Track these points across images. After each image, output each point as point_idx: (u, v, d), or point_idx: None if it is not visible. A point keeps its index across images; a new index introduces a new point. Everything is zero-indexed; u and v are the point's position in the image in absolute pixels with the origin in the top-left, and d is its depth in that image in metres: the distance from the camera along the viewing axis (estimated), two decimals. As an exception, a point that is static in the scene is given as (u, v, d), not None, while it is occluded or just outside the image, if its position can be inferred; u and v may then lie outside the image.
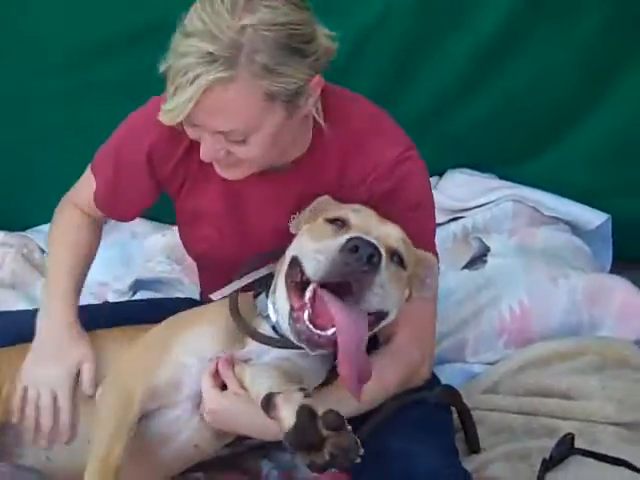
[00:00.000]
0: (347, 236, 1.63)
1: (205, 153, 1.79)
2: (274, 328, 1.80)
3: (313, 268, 1.63)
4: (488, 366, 2.53)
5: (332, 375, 1.81)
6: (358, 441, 1.44)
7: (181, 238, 2.20)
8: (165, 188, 2.06)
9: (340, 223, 1.75)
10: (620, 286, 2.70)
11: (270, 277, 1.86)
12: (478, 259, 2.88)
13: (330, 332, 1.63)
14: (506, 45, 3.09)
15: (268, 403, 1.57)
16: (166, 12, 2.89)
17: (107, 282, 2.93)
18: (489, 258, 2.80)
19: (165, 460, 1.85)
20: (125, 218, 2.19)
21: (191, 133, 1.80)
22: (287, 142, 1.84)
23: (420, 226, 1.93)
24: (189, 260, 3.01)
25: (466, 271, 2.73)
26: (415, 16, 3.00)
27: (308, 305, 1.65)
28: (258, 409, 1.63)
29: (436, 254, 1.96)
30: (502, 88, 3.16)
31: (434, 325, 2.02)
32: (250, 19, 1.64)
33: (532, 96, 3.16)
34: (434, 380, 2.06)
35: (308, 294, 1.65)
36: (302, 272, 1.68)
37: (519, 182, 3.24)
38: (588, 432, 2.14)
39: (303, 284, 1.69)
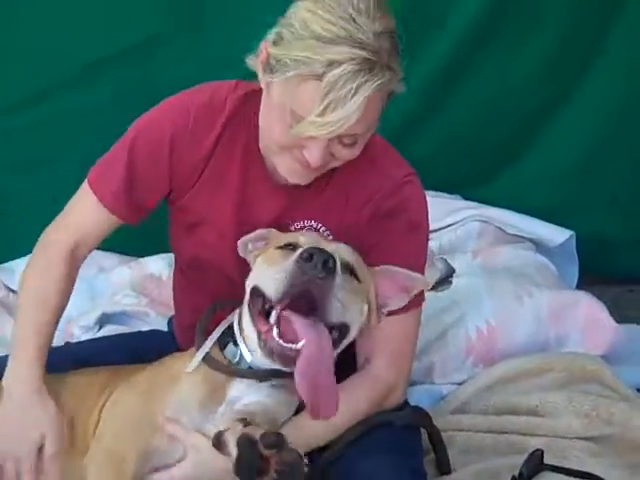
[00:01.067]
0: (300, 250, 1.67)
1: (317, 159, 1.74)
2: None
3: (274, 289, 1.67)
4: (456, 386, 2.54)
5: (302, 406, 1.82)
6: (301, 455, 1.47)
7: (174, 242, 2.14)
8: (174, 185, 1.98)
9: (291, 247, 1.78)
10: (585, 301, 2.72)
11: (229, 329, 1.87)
12: (444, 280, 2.89)
13: (300, 345, 1.65)
14: (463, 67, 3.15)
15: (219, 442, 1.59)
16: (125, 43, 3.02)
17: (73, 317, 2.90)
18: (454, 279, 2.81)
19: None
20: (134, 218, 2.02)
21: (298, 142, 1.74)
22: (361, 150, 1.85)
23: (417, 249, 1.97)
24: (154, 292, 3.05)
25: (432, 293, 2.73)
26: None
27: (274, 326, 1.69)
28: None
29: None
30: (462, 109, 3.22)
31: (413, 349, 2.02)
32: (381, 25, 1.66)
33: (491, 116, 3.22)
34: (403, 402, 2.05)
35: (273, 317, 1.69)
36: (264, 299, 1.72)
37: (483, 202, 3.27)
38: (557, 448, 2.14)
39: (267, 310, 1.72)
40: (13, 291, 3.14)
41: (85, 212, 2.00)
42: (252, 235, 1.91)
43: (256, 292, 1.75)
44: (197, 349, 1.85)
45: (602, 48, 3.13)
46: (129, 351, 2.13)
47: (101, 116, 3.06)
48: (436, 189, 3.26)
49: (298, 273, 1.63)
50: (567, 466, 2.05)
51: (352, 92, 1.62)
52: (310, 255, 1.62)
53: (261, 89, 1.85)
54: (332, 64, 1.62)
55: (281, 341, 1.67)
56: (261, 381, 1.80)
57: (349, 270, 1.76)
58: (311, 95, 1.65)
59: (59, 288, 1.97)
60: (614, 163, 3.26)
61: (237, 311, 1.88)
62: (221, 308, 1.95)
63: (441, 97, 3.22)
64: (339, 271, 1.66)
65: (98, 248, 3.16)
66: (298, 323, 1.67)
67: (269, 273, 1.71)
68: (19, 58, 2.99)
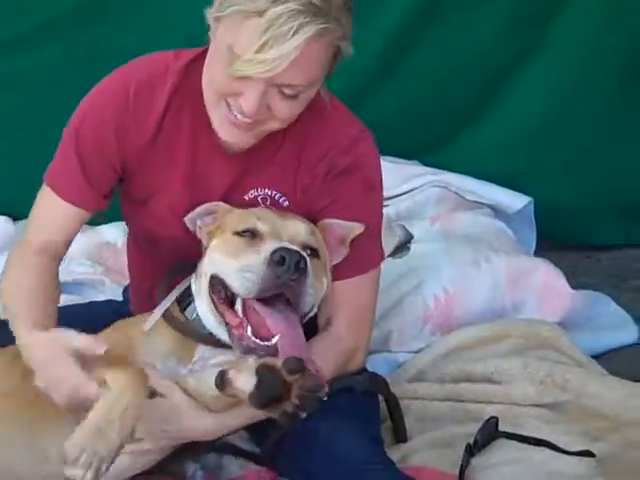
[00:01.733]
0: (269, 248, 1.65)
1: (253, 106, 1.69)
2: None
3: (243, 287, 1.66)
4: (413, 355, 2.54)
5: None
6: (320, 381, 1.47)
7: (126, 216, 2.11)
8: (126, 165, 1.93)
9: (250, 234, 1.76)
10: (542, 268, 2.73)
11: (188, 289, 1.87)
12: (403, 246, 2.87)
13: (275, 340, 1.65)
14: (419, 32, 3.13)
15: (222, 380, 1.58)
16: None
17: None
18: (412, 245, 2.80)
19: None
20: (102, 205, 1.97)
21: (234, 86, 1.70)
22: (299, 112, 1.81)
23: (372, 208, 1.96)
24: (110, 260, 3.01)
25: (389, 259, 2.72)
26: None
27: (245, 320, 1.68)
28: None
29: (381, 243, 2.00)
30: (419, 74, 3.22)
31: (373, 312, 2.03)
32: None
33: (449, 81, 3.22)
34: (361, 368, 2.05)
35: (239, 309, 1.69)
36: (225, 288, 1.72)
37: (442, 168, 3.26)
38: (512, 415, 2.14)
39: (229, 298, 1.72)
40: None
41: (52, 213, 1.95)
42: (199, 210, 1.89)
43: (216, 281, 1.75)
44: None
45: (558, 12, 3.11)
46: (83, 321, 2.08)
47: (53, 79, 3.01)
48: (394, 155, 3.24)
49: (271, 277, 1.62)
50: (522, 433, 2.05)
51: (292, 31, 1.60)
52: (282, 258, 1.61)
53: (205, 52, 1.82)
54: (276, 1, 1.60)
55: (258, 340, 1.66)
56: (221, 348, 1.78)
57: (310, 250, 1.77)
58: (251, 32, 1.62)
59: (43, 285, 1.91)
60: (572, 130, 3.26)
61: (194, 275, 1.86)
62: (179, 272, 1.93)
63: (397, 62, 3.20)
64: (310, 270, 1.66)
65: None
66: (269, 318, 1.66)
67: (233, 266, 1.70)
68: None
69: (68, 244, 2.00)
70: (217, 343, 1.79)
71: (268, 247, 1.66)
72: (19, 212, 3.19)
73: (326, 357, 1.87)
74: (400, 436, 2.07)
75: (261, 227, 1.77)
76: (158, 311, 1.85)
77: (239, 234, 1.78)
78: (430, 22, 3.13)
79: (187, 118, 1.89)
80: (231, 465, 1.97)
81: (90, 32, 3.02)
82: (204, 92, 1.83)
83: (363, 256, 1.94)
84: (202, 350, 1.80)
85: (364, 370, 2.04)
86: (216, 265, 1.77)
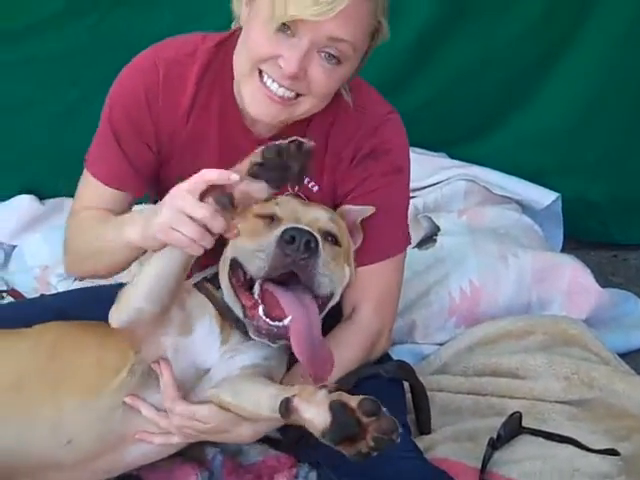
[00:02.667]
0: (281, 228, 1.64)
1: (293, 66, 1.68)
2: None
3: (255, 267, 1.66)
4: (437, 347, 2.53)
5: (292, 362, 1.83)
6: (395, 421, 1.43)
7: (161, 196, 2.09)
8: (161, 145, 1.92)
9: (269, 219, 1.76)
10: (569, 265, 2.70)
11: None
12: (429, 239, 2.85)
13: (287, 321, 1.64)
14: (453, 24, 3.09)
15: (287, 409, 1.52)
16: None
17: (49, 265, 2.86)
18: (439, 237, 2.78)
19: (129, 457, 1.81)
20: (143, 188, 1.97)
21: (275, 47, 1.69)
22: (334, 91, 1.81)
23: (398, 193, 1.95)
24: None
25: (416, 250, 2.71)
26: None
27: (259, 301, 1.67)
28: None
29: (407, 227, 1.99)
30: (451, 67, 3.17)
31: (398, 296, 2.02)
32: None
33: (480, 75, 3.17)
34: (387, 356, 2.06)
35: (257, 291, 1.68)
36: (244, 272, 1.71)
37: (470, 162, 3.24)
38: (536, 411, 2.14)
39: (248, 282, 1.71)
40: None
41: (96, 198, 1.94)
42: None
43: (236, 264, 1.74)
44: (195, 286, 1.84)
45: (590, 9, 3.07)
46: (109, 304, 2.08)
47: (77, 61, 3.01)
48: (422, 146, 3.22)
49: (280, 255, 1.62)
50: (545, 429, 2.04)
51: None
52: (292, 237, 1.60)
53: (231, 35, 1.82)
54: None
55: (268, 320, 1.66)
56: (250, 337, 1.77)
57: (330, 237, 1.76)
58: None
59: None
60: (601, 127, 3.22)
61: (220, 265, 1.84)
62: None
63: (430, 54, 3.17)
64: (321, 250, 1.64)
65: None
66: (283, 298, 1.66)
67: (249, 248, 1.69)
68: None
69: None
70: (243, 328, 1.77)
71: (281, 228, 1.65)
72: (45, 191, 3.20)
73: (353, 345, 1.89)
74: (424, 428, 2.06)
75: (280, 212, 1.76)
76: (193, 279, 1.84)
77: (260, 217, 1.77)
78: (463, 16, 3.09)
79: (216, 101, 1.89)
80: (251, 450, 1.97)
81: (116, 15, 3.01)
82: (235, 69, 1.82)
83: (388, 240, 1.93)
84: (236, 336, 1.79)
85: (389, 358, 2.04)
86: (236, 248, 1.75)
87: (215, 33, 1.92)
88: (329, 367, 1.65)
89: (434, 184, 3.13)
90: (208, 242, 1.56)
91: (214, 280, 1.84)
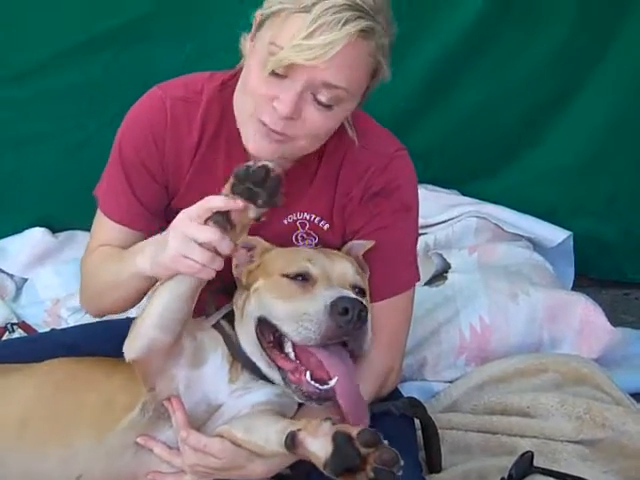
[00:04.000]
0: (326, 295, 1.64)
1: (287, 106, 1.67)
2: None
3: (301, 335, 1.64)
4: (448, 384, 2.51)
5: None
6: (397, 453, 1.43)
7: None
8: (169, 182, 1.93)
9: (301, 277, 1.74)
10: (581, 303, 2.69)
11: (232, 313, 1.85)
12: (439, 275, 2.86)
13: (333, 382, 1.65)
14: (466, 61, 3.10)
15: (293, 442, 1.54)
16: (119, 20, 2.99)
17: (60, 298, 2.86)
18: (449, 274, 2.78)
19: None
20: (155, 224, 1.95)
21: (271, 88, 1.69)
22: (332, 131, 1.81)
23: (407, 230, 1.95)
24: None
25: (426, 287, 2.71)
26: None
27: (300, 364, 1.68)
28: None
29: (416, 266, 1.98)
30: (463, 105, 3.18)
31: (408, 332, 2.01)
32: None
33: (493, 113, 3.18)
34: (397, 392, 2.06)
35: (291, 352, 1.69)
36: (274, 332, 1.71)
37: (481, 199, 3.24)
38: (547, 450, 2.12)
39: (277, 339, 1.72)
40: (2, 271, 3.11)
41: (109, 235, 1.95)
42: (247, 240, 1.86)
43: (265, 324, 1.73)
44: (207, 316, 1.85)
45: (605, 51, 3.09)
46: (120, 339, 2.08)
47: (93, 94, 3.04)
48: (434, 184, 3.23)
49: (333, 327, 1.62)
50: (557, 469, 2.02)
51: (342, 21, 1.61)
52: (345, 309, 1.61)
53: (235, 75, 1.83)
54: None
55: (317, 385, 1.66)
56: (261, 379, 1.78)
57: (358, 290, 1.78)
58: (297, 25, 1.63)
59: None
60: (614, 165, 3.22)
61: (233, 303, 1.85)
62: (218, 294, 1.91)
63: (442, 92, 3.19)
64: (370, 317, 1.67)
65: (86, 229, 3.18)
66: (325, 359, 1.66)
67: (288, 312, 1.68)
68: (11, 33, 2.96)
69: None
70: (258, 373, 1.77)
71: (326, 294, 1.65)
72: (58, 224, 3.22)
73: (364, 383, 1.85)
74: (434, 466, 2.04)
75: (312, 270, 1.75)
76: (213, 318, 1.84)
77: (289, 277, 1.75)
78: (476, 53, 3.11)
79: (223, 138, 1.90)
80: (260, 486, 1.95)
81: (133, 50, 3.04)
82: (235, 110, 1.84)
83: (398, 277, 1.93)
84: (247, 375, 1.78)
85: (400, 394, 2.04)
86: (266, 308, 1.74)
87: (221, 72, 1.93)
88: (366, 417, 1.67)
89: (445, 221, 3.14)
90: (218, 265, 1.58)
91: (229, 318, 1.84)
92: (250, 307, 1.77)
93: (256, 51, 1.72)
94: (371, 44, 1.68)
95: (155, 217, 1.94)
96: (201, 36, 3.04)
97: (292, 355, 1.69)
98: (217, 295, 1.91)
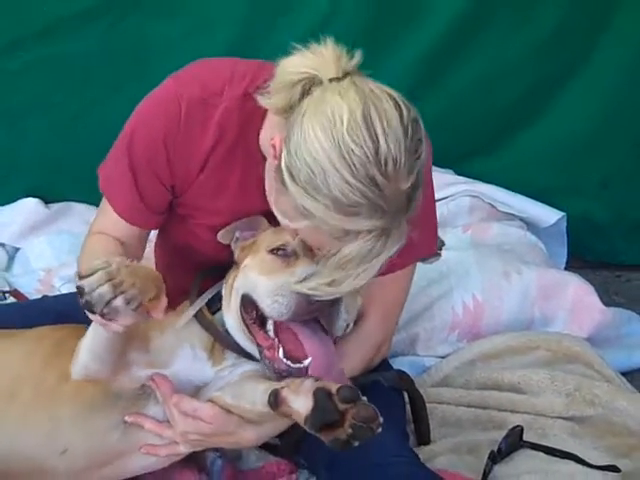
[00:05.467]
0: (302, 272, 1.62)
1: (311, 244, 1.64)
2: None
3: (275, 310, 1.63)
4: (439, 359, 2.52)
5: None
6: (376, 410, 1.43)
7: (162, 225, 2.03)
8: (176, 183, 1.87)
9: (283, 252, 1.72)
10: (573, 283, 2.70)
11: (219, 294, 1.84)
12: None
13: (307, 362, 1.64)
14: (463, 41, 3.11)
15: (276, 400, 1.54)
16: None
17: (53, 268, 2.86)
18: (443, 252, 2.78)
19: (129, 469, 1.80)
20: (156, 223, 1.95)
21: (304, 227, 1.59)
22: None
23: (427, 206, 1.85)
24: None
25: (420, 264, 2.70)
26: (367, 14, 3.00)
27: (276, 342, 1.67)
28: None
29: (437, 238, 2.04)
30: (458, 85, 3.19)
31: (403, 307, 2.02)
32: (409, 179, 1.49)
33: (488, 93, 3.19)
34: (387, 365, 2.07)
35: (271, 329, 1.68)
36: (257, 309, 1.70)
37: (476, 178, 3.24)
38: (537, 426, 2.12)
39: (260, 318, 1.71)
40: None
41: (112, 225, 1.91)
42: (243, 221, 1.86)
43: (248, 301, 1.72)
44: (190, 304, 1.83)
45: (601, 33, 3.10)
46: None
47: (87, 66, 3.03)
48: (428, 162, 3.22)
49: (304, 304, 1.60)
50: (546, 444, 2.03)
51: (364, 270, 1.53)
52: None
53: (260, 84, 1.70)
54: (348, 233, 1.50)
55: (289, 362, 1.65)
56: (250, 359, 1.78)
57: None
58: (324, 239, 1.55)
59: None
60: (608, 147, 3.23)
61: (224, 282, 1.84)
62: (209, 275, 1.92)
63: (437, 72, 3.19)
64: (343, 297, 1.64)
65: (82, 201, 3.20)
66: (303, 336, 1.65)
67: (266, 287, 1.67)
68: (3, 3, 2.95)
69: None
70: (244, 353, 1.78)
71: (302, 270, 1.63)
72: (51, 195, 3.21)
73: (356, 355, 1.89)
74: (423, 438, 2.05)
75: (293, 244, 1.71)
76: (191, 310, 1.82)
77: (273, 252, 1.73)
78: (475, 32, 3.11)
79: (240, 153, 1.82)
80: (250, 456, 1.97)
81: (129, 20, 3.03)
82: (262, 147, 1.78)
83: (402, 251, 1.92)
84: (230, 358, 1.78)
85: (390, 366, 2.05)
86: (248, 284, 1.73)
87: (242, 68, 1.81)
88: None
89: (439, 200, 3.13)
90: (124, 324, 1.51)
91: (211, 304, 1.83)
92: (237, 284, 1.77)
93: (282, 201, 1.61)
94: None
95: (156, 215, 1.91)
96: (196, 8, 3.02)
97: (272, 333, 1.68)
98: (204, 278, 1.91)
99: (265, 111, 1.74)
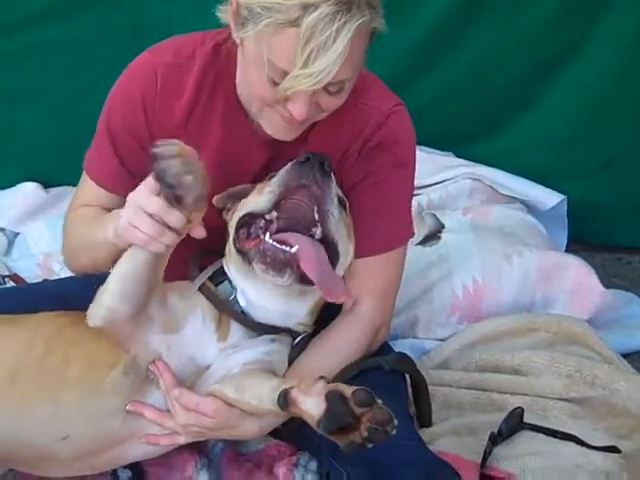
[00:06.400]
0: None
1: (303, 112, 1.67)
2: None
3: (267, 201, 1.67)
4: (439, 342, 2.52)
5: (293, 355, 1.83)
6: (391, 413, 1.42)
7: None
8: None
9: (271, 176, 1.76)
10: (574, 265, 2.70)
11: (221, 269, 1.84)
12: (433, 235, 2.85)
13: (294, 249, 1.63)
14: (462, 23, 3.11)
15: (286, 400, 1.53)
16: None
17: (52, 252, 2.86)
18: (443, 234, 2.78)
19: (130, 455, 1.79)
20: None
21: (281, 95, 1.66)
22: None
23: (402, 186, 1.95)
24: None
25: (419, 247, 2.71)
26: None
27: (263, 232, 1.67)
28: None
29: (410, 222, 1.98)
30: (459, 66, 3.18)
31: (398, 289, 2.01)
32: None
33: (489, 75, 3.18)
34: (388, 348, 2.06)
35: (261, 228, 1.69)
36: (249, 229, 1.72)
37: (476, 161, 3.23)
38: (537, 407, 2.13)
39: (254, 236, 1.71)
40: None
41: (91, 197, 1.96)
42: (236, 189, 1.87)
43: (242, 222, 1.75)
44: (191, 280, 1.83)
45: (600, 14, 3.08)
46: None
47: (86, 49, 3.02)
48: (428, 145, 3.22)
49: (294, 174, 1.63)
50: (547, 426, 2.03)
51: (333, 36, 1.55)
52: (307, 157, 1.63)
53: (229, 36, 1.77)
54: (307, 7, 1.54)
55: (275, 243, 1.64)
56: (253, 330, 1.78)
57: (339, 200, 1.75)
58: (289, 45, 1.57)
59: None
60: (609, 129, 3.22)
61: (224, 258, 1.85)
62: (205, 256, 1.91)
63: (437, 53, 3.18)
64: (333, 177, 1.67)
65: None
66: (290, 235, 1.65)
67: (258, 196, 1.71)
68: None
69: None
70: (246, 322, 1.77)
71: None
72: (50, 179, 3.20)
73: (354, 338, 1.89)
74: (424, 420, 2.05)
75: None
76: (199, 280, 1.81)
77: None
78: (474, 15, 3.10)
79: (220, 102, 1.87)
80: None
81: (126, 4, 3.02)
82: (241, 95, 1.83)
83: (391, 232, 1.93)
84: (235, 334, 1.78)
85: (390, 350, 2.04)
86: (243, 208, 1.77)
87: (215, 31, 1.88)
88: (342, 287, 1.68)
89: (440, 182, 3.13)
90: (168, 239, 1.54)
91: (213, 278, 1.83)
92: (232, 221, 1.79)
93: (249, 53, 1.68)
94: (366, 28, 1.63)
95: (137, 178, 1.88)
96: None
97: (260, 230, 1.69)
98: (204, 256, 1.90)
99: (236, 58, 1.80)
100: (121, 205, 1.87)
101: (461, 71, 3.18)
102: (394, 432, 1.43)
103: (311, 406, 1.48)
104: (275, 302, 1.77)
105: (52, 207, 3.13)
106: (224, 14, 1.72)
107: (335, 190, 1.69)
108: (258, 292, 1.76)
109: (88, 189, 1.96)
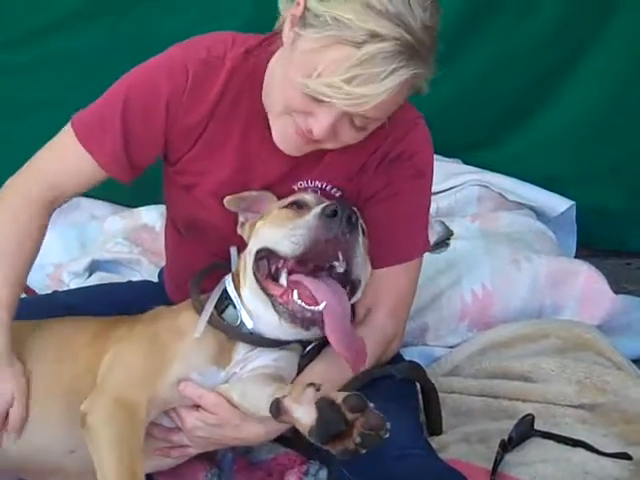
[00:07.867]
0: (318, 207, 1.64)
1: (323, 129, 1.67)
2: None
3: (292, 245, 1.64)
4: (449, 349, 2.52)
5: (303, 363, 1.82)
6: (383, 417, 1.42)
7: (169, 201, 2.07)
8: (170, 147, 1.90)
9: (298, 205, 1.75)
10: (583, 270, 2.69)
11: (224, 292, 1.82)
12: (442, 242, 2.85)
13: (322, 306, 1.63)
14: (469, 30, 3.10)
15: (278, 409, 1.53)
16: None
17: (62, 263, 2.87)
18: (452, 241, 2.78)
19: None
20: (127, 177, 1.90)
21: (308, 105, 1.66)
22: None
23: (420, 197, 1.95)
24: (148, 242, 3.01)
25: (428, 254, 2.69)
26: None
27: (290, 288, 1.66)
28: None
29: (427, 232, 1.99)
30: (466, 73, 3.17)
31: (412, 300, 2.02)
32: (431, 20, 1.62)
33: (496, 82, 3.17)
34: (399, 357, 2.06)
35: (284, 282, 1.68)
36: (269, 263, 1.71)
37: (484, 167, 3.23)
38: (548, 414, 2.12)
39: (273, 275, 1.71)
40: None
41: (69, 163, 1.89)
42: (247, 194, 1.87)
43: (261, 255, 1.73)
44: (195, 308, 1.80)
45: (609, 17, 3.09)
46: (120, 303, 2.08)
47: (96, 60, 3.03)
48: (436, 152, 3.19)
49: (321, 230, 1.61)
50: (557, 433, 2.02)
51: (387, 72, 1.57)
52: (334, 211, 1.60)
53: (260, 43, 1.80)
54: (375, 36, 1.55)
55: (303, 304, 1.64)
56: (262, 346, 1.77)
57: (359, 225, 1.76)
58: (342, 58, 1.57)
59: (34, 239, 1.87)
60: (617, 134, 3.22)
61: (229, 276, 1.84)
62: (217, 269, 1.91)
63: (444, 60, 3.15)
64: (361, 226, 1.66)
65: (90, 196, 3.20)
66: (314, 286, 1.65)
67: (283, 231, 1.68)
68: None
69: (71, 197, 1.94)
70: (257, 341, 1.76)
71: (318, 208, 1.65)
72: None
73: (367, 348, 1.87)
74: (435, 429, 2.04)
75: (307, 197, 1.76)
76: (204, 316, 1.77)
77: (286, 207, 1.76)
78: (480, 22, 3.10)
79: (244, 107, 1.87)
80: (261, 448, 1.96)
81: (136, 14, 3.03)
82: (269, 96, 1.81)
83: (407, 244, 1.93)
84: (241, 352, 1.77)
85: (401, 359, 2.04)
86: (263, 239, 1.74)
87: (245, 35, 1.89)
88: (364, 354, 1.66)
89: (448, 189, 3.13)
90: None
91: (217, 306, 1.81)
92: (250, 245, 1.78)
93: (298, 52, 1.66)
94: (415, 81, 1.66)
95: (133, 170, 1.90)
96: (203, 1, 3.02)
97: (284, 281, 1.68)
98: (207, 275, 1.90)
99: (266, 65, 1.82)
100: (102, 180, 1.88)
101: (468, 78, 3.18)
102: (387, 436, 1.42)
103: (302, 414, 1.48)
104: (290, 331, 1.74)
105: (62, 217, 3.12)
106: (285, 12, 1.73)
107: (362, 240, 1.68)
108: (274, 322, 1.73)
109: (72, 153, 1.87)
